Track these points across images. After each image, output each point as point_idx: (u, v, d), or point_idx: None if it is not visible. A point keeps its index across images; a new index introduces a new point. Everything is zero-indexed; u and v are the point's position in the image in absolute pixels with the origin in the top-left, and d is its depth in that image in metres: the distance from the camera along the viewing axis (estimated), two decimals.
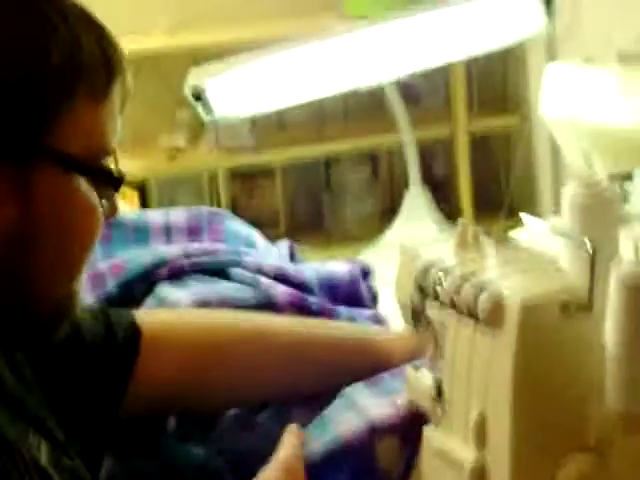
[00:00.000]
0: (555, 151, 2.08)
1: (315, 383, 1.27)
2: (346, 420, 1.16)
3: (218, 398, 1.28)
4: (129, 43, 2.47)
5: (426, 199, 2.30)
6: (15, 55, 0.88)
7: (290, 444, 1.10)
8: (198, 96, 1.80)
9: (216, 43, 2.46)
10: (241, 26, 2.66)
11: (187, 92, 1.79)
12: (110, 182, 0.95)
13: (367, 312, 1.68)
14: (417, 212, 2.15)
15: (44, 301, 0.95)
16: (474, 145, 2.52)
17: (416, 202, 2.29)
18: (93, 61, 0.92)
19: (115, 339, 1.21)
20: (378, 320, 1.66)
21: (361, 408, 1.18)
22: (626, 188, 1.53)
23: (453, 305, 1.03)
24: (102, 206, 0.95)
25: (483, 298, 0.98)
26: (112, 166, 0.97)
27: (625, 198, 1.72)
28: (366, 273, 1.76)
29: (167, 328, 1.27)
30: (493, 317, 0.97)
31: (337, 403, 1.22)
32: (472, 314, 1.00)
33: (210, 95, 1.79)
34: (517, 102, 2.58)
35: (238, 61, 1.85)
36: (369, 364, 1.26)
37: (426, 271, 1.06)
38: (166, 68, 2.65)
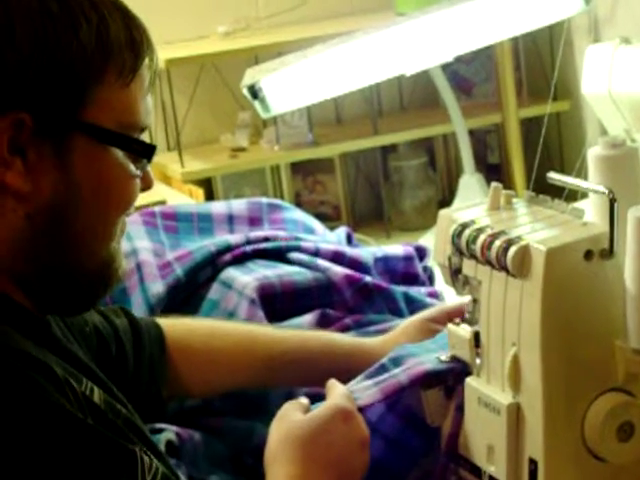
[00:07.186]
0: (604, 132, 2.13)
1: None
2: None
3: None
4: (190, 49, 2.58)
5: (481, 185, 2.37)
6: (46, 38, 0.93)
7: (338, 389, 1.16)
8: (255, 94, 1.86)
9: (273, 44, 2.53)
10: (298, 27, 2.73)
11: (244, 91, 1.85)
12: (142, 152, 1.01)
13: (423, 289, 1.76)
14: (473, 198, 2.20)
15: (87, 264, 1.01)
16: (526, 130, 2.58)
17: (471, 188, 2.37)
18: (120, 40, 0.97)
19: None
20: (433, 295, 1.74)
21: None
22: None
23: (486, 261, 1.10)
24: (138, 177, 1.02)
25: (511, 250, 1.05)
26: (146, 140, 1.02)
27: None
28: (422, 254, 1.83)
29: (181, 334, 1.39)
30: (521, 266, 1.03)
31: None
32: (503, 267, 1.06)
33: (266, 92, 1.85)
34: (566, 87, 2.63)
35: (291, 58, 1.92)
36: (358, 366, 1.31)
37: (461, 232, 1.12)
38: (227, 71, 2.74)
